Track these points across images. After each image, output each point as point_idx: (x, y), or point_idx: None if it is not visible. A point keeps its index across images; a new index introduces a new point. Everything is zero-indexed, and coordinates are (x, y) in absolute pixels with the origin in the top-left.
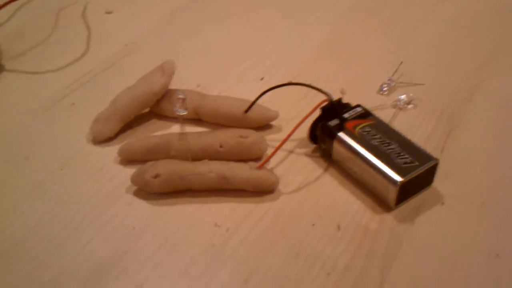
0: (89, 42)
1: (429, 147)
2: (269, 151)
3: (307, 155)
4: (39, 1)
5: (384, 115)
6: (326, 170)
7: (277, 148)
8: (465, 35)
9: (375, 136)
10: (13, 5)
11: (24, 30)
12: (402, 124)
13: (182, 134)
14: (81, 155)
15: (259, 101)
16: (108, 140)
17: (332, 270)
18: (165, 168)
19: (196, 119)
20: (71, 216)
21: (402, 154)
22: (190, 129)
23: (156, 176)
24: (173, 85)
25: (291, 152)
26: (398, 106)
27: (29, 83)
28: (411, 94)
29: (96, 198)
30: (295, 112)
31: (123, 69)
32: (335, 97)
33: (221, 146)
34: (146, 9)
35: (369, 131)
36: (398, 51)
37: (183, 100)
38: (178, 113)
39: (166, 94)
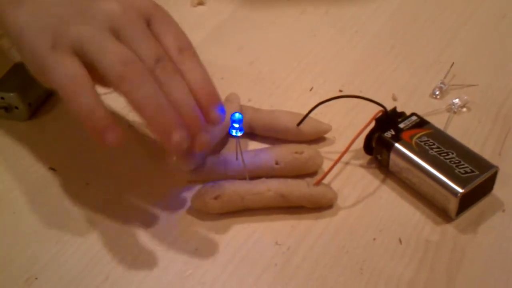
0: None
1: (487, 151)
2: (325, 165)
3: (363, 167)
4: None
5: (438, 120)
6: (383, 181)
7: (334, 164)
8: None
9: (433, 146)
10: None
11: None
12: (457, 129)
13: (238, 154)
14: (140, 179)
15: (311, 114)
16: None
17: (397, 285)
18: (225, 189)
19: (249, 133)
20: (134, 240)
21: (461, 163)
22: (244, 143)
23: (217, 197)
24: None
25: (347, 164)
26: (453, 110)
27: None
28: (465, 97)
29: (158, 221)
30: (347, 122)
31: None
32: (387, 103)
33: (276, 163)
34: (191, 25)
35: (427, 140)
36: (448, 52)
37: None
38: (234, 135)
39: None
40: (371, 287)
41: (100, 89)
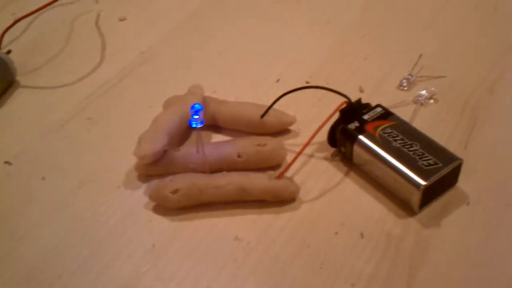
0: (104, 51)
1: (452, 143)
2: (288, 157)
3: (327, 159)
4: (52, 13)
5: (405, 111)
6: (347, 174)
7: (296, 157)
8: (486, 23)
9: (397, 138)
10: (27, 19)
11: (39, 43)
12: (424, 120)
13: (199, 146)
14: (98, 171)
15: (276, 105)
16: (157, 158)
17: (357, 280)
18: (184, 182)
19: (213, 125)
20: (90, 236)
21: (425, 155)
22: (207, 136)
23: (175, 191)
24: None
25: (310, 157)
26: (419, 102)
27: (44, 98)
28: (432, 88)
29: (114, 216)
30: (313, 114)
31: (140, 78)
32: (354, 95)
33: (239, 156)
34: (160, 15)
35: (391, 132)
36: (417, 44)
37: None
38: (193, 126)
39: None
40: (331, 282)
41: None
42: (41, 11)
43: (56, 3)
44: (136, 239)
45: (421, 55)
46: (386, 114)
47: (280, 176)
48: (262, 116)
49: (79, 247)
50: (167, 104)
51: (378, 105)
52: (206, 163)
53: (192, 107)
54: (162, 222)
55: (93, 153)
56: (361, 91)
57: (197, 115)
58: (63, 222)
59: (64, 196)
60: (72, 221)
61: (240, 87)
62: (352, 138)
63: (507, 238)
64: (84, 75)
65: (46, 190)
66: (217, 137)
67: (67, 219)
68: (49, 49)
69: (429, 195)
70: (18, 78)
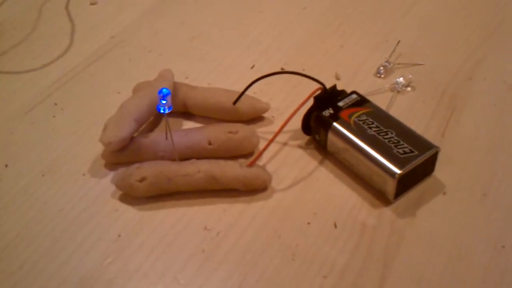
0: (73, 36)
1: (430, 132)
2: (262, 145)
3: (301, 147)
4: None
5: (381, 99)
6: (321, 163)
7: (268, 144)
8: (465, 10)
9: (372, 125)
10: None
11: (6, 27)
12: (401, 108)
13: (168, 133)
14: (63, 159)
15: (250, 92)
16: (123, 145)
17: (330, 271)
18: (151, 170)
19: (185, 112)
20: (53, 226)
21: (400, 143)
22: (178, 124)
23: (142, 179)
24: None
25: (284, 145)
26: (396, 89)
27: (10, 84)
28: (409, 76)
29: (79, 205)
30: (288, 101)
31: (109, 64)
32: (330, 82)
33: (209, 143)
34: None
35: (366, 119)
36: (395, 31)
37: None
38: (161, 112)
39: None
40: (303, 273)
41: None
42: None
43: None
44: (101, 229)
45: (398, 41)
46: (362, 101)
47: (251, 164)
48: (235, 102)
49: (42, 236)
50: (137, 90)
51: (353, 92)
52: (175, 151)
53: (160, 91)
54: (129, 212)
55: (58, 140)
56: (338, 78)
57: (165, 100)
58: (26, 210)
59: (27, 184)
60: (35, 210)
61: (213, 74)
62: (326, 125)
63: (483, 228)
64: (51, 60)
65: (8, 177)
66: (188, 124)
67: (30, 208)
68: (16, 33)
69: (405, 184)
70: None
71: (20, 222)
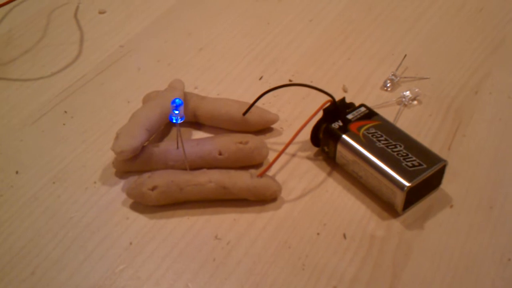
0: (82, 44)
1: (436, 145)
2: (270, 156)
3: (309, 158)
4: (29, 3)
5: (388, 112)
6: (329, 174)
7: (278, 155)
8: (470, 24)
9: (381, 138)
10: (2, 9)
11: (15, 35)
12: (407, 122)
13: (179, 142)
14: (74, 167)
15: (259, 103)
16: (135, 154)
17: (339, 282)
18: (163, 179)
19: (194, 122)
20: (64, 233)
21: (409, 156)
22: (187, 134)
23: (154, 188)
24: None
25: (293, 156)
26: (403, 103)
27: (19, 91)
28: (416, 90)
29: (90, 213)
30: (297, 113)
31: (119, 73)
32: (337, 94)
33: (220, 154)
34: (140, 8)
35: (374, 132)
36: (402, 45)
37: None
38: (174, 122)
39: None
40: (312, 283)
41: None
42: (16, 1)
43: None
44: (112, 237)
45: (405, 55)
46: (370, 114)
47: (261, 175)
48: (244, 113)
49: (53, 243)
50: (147, 99)
51: (362, 105)
52: (186, 160)
53: (173, 101)
54: (140, 220)
55: (68, 148)
56: (345, 90)
57: (178, 110)
58: (37, 217)
59: (38, 191)
60: (46, 217)
61: (222, 85)
62: (335, 137)
63: (490, 240)
64: (60, 68)
65: (19, 184)
66: (198, 134)
67: (41, 214)
68: (24, 41)
69: (413, 196)
70: None
71: (31, 228)
